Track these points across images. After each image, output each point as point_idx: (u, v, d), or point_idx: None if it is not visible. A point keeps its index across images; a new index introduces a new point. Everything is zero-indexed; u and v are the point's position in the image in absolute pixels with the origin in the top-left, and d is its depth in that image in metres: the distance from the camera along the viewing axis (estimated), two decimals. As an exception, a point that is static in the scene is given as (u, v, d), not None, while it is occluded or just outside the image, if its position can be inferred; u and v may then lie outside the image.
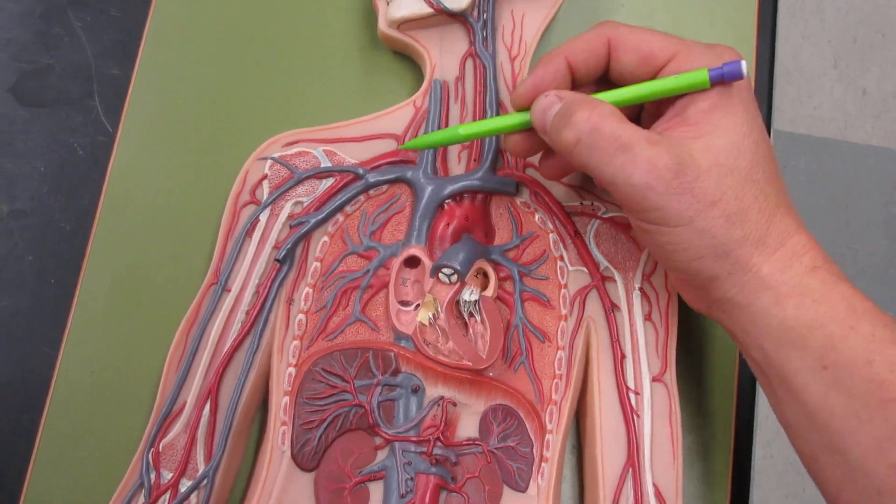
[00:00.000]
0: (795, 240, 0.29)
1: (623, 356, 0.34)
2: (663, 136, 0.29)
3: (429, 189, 0.35)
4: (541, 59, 0.31)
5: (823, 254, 0.29)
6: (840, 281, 0.28)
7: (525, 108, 0.31)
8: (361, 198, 0.36)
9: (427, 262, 0.35)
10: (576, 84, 0.31)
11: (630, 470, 0.33)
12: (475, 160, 0.36)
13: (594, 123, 0.28)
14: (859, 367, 0.27)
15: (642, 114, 0.33)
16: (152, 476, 0.32)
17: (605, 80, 0.32)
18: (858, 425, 0.26)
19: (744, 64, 0.28)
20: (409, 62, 0.39)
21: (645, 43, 0.30)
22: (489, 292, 0.35)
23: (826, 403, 0.27)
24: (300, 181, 0.35)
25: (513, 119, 0.32)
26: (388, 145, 0.36)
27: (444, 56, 0.37)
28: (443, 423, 0.33)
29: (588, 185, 0.36)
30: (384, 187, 0.36)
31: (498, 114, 0.37)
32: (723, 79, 0.29)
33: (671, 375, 0.34)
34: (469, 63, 0.37)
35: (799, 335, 0.28)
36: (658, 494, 0.33)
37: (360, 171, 0.35)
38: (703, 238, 0.28)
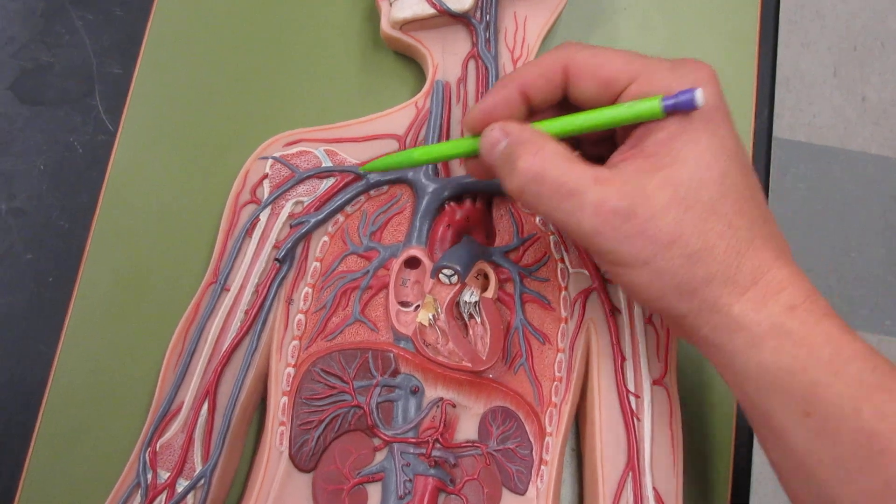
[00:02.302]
0: (771, 276, 0.26)
1: (623, 359, 0.34)
2: (616, 172, 0.27)
3: (429, 190, 0.35)
4: (495, 83, 0.30)
5: (806, 288, 0.26)
6: (823, 319, 0.26)
7: (476, 133, 0.30)
8: (362, 198, 0.36)
9: (427, 263, 0.34)
10: (532, 110, 0.30)
11: (630, 473, 0.33)
12: (476, 161, 0.36)
13: (537, 170, 0.27)
14: (846, 415, 0.25)
15: (617, 130, 0.31)
16: (149, 476, 0.32)
17: (567, 103, 0.30)
18: (847, 476, 0.25)
19: (699, 93, 0.26)
20: (411, 63, 0.39)
21: (603, 67, 0.28)
22: (489, 294, 0.34)
23: (812, 451, 0.25)
24: (301, 181, 0.35)
25: (465, 144, 0.30)
26: (390, 146, 0.36)
27: (446, 57, 0.37)
28: (442, 425, 0.33)
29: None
30: (385, 188, 0.36)
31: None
32: (676, 109, 0.26)
33: (672, 379, 0.34)
34: (471, 64, 0.37)
35: (778, 379, 0.26)
36: (658, 498, 0.33)
37: (361, 171, 0.35)
38: (663, 278, 0.26)
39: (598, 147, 0.31)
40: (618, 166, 0.27)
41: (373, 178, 0.35)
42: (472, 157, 0.30)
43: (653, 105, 0.26)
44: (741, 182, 0.27)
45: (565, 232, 0.28)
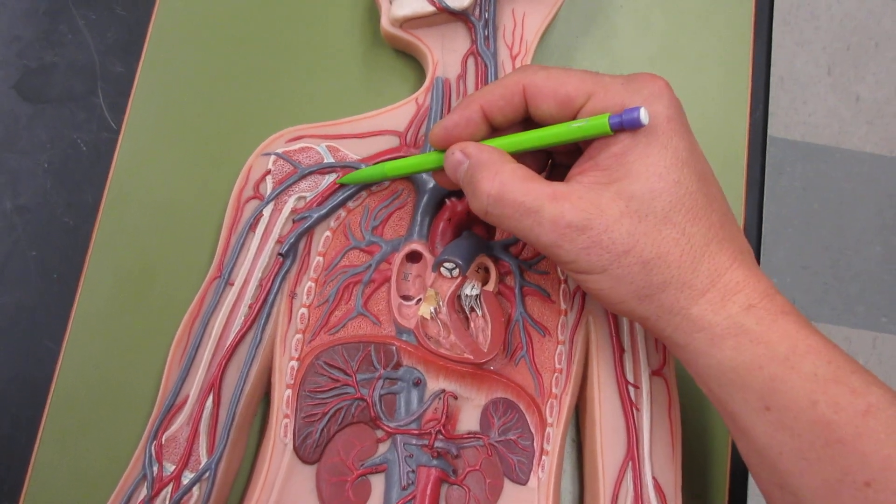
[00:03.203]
0: (728, 278, 0.28)
1: (622, 350, 0.34)
2: (572, 187, 0.28)
3: (430, 185, 0.35)
4: (458, 103, 0.31)
5: (763, 288, 0.28)
6: (780, 316, 0.27)
7: (440, 149, 0.32)
8: (364, 193, 0.36)
9: (429, 257, 0.35)
10: (495, 128, 0.31)
11: (630, 463, 0.33)
12: (476, 157, 0.36)
13: (497, 192, 0.28)
14: (803, 408, 0.26)
15: (580, 143, 0.32)
16: (155, 468, 0.32)
17: (530, 121, 0.31)
18: (807, 466, 0.26)
19: (643, 112, 0.27)
20: (411, 60, 0.40)
21: (561, 87, 0.29)
22: (490, 287, 0.35)
23: (773, 443, 0.27)
24: (303, 176, 0.35)
25: (433, 159, 0.32)
26: (390, 142, 0.36)
27: (445, 54, 0.37)
28: (444, 417, 0.33)
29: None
30: (386, 183, 0.36)
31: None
32: (623, 127, 0.28)
33: (670, 370, 0.34)
34: (470, 61, 0.37)
35: (738, 376, 0.27)
36: (657, 487, 0.33)
37: (363, 166, 0.36)
38: (621, 284, 0.28)
39: (568, 157, 0.32)
40: (574, 179, 0.29)
41: (374, 173, 0.36)
42: (440, 170, 0.32)
43: (601, 123, 0.28)
44: (696, 189, 0.28)
45: (527, 243, 0.30)
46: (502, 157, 0.30)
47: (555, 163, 0.34)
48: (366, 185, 0.36)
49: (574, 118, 0.29)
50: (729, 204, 0.30)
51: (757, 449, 0.27)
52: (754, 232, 0.40)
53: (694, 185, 0.28)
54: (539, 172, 0.34)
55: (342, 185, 0.35)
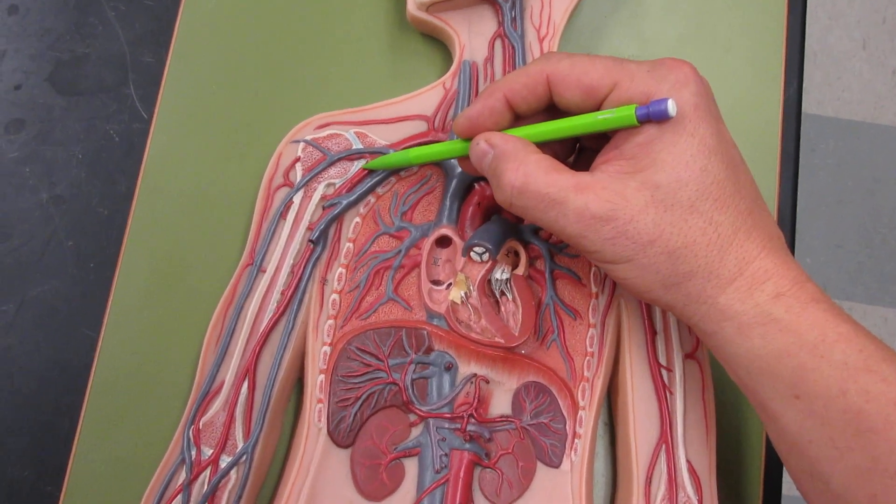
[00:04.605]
0: (756, 266, 0.27)
1: (654, 333, 0.34)
2: (597, 177, 0.28)
3: (459, 169, 0.35)
4: (482, 91, 0.31)
5: (793, 275, 0.27)
6: (810, 304, 0.27)
7: (465, 138, 0.32)
8: (392, 179, 0.36)
9: (458, 242, 0.35)
10: (519, 116, 0.31)
11: (663, 446, 0.33)
12: (505, 140, 0.36)
13: (521, 184, 0.28)
14: (833, 396, 0.26)
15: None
16: (193, 452, 0.33)
17: (554, 108, 0.31)
18: (837, 455, 0.26)
19: (671, 104, 0.27)
20: (438, 44, 0.39)
21: (585, 76, 0.29)
22: (520, 271, 0.35)
23: (803, 431, 0.26)
24: (332, 163, 0.36)
25: (458, 147, 0.32)
26: (419, 127, 0.36)
27: (472, 37, 0.37)
28: (476, 400, 0.33)
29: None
30: (415, 168, 0.36)
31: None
32: (649, 118, 0.27)
33: (703, 352, 0.34)
34: (498, 44, 0.37)
35: (767, 364, 0.27)
36: (692, 470, 0.33)
37: (391, 152, 0.36)
38: (647, 273, 0.28)
39: (596, 142, 0.32)
40: (599, 169, 0.29)
41: (403, 159, 0.36)
42: (465, 158, 0.32)
43: (628, 114, 0.28)
44: (724, 177, 0.28)
45: (553, 233, 0.30)
46: (527, 147, 0.29)
47: (583, 146, 0.34)
48: (394, 171, 0.36)
49: (599, 107, 0.29)
50: (759, 189, 0.29)
51: (787, 436, 0.27)
52: (788, 210, 0.40)
53: (722, 173, 0.28)
54: (567, 157, 0.33)
55: (371, 171, 0.35)
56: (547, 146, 0.31)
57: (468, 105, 0.36)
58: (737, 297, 0.27)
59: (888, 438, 0.25)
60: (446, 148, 0.33)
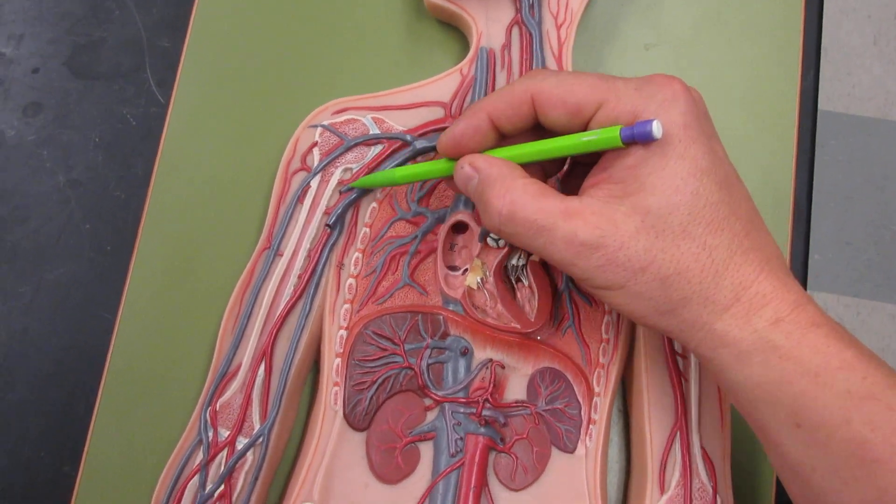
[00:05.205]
0: (753, 291, 0.26)
1: (670, 320, 0.34)
2: (585, 202, 0.27)
3: (476, 155, 0.35)
4: (466, 110, 0.30)
5: (794, 298, 0.26)
6: (811, 330, 0.26)
7: (450, 158, 0.31)
8: (409, 164, 0.36)
9: (474, 227, 0.35)
10: (504, 136, 0.30)
11: (678, 433, 0.33)
12: (522, 127, 0.36)
13: (508, 211, 0.27)
14: (836, 426, 0.25)
15: None
16: (210, 434, 0.33)
17: (541, 127, 0.30)
18: (842, 485, 0.25)
19: (656, 125, 0.26)
20: (455, 32, 0.39)
21: (570, 94, 0.28)
22: (536, 257, 0.35)
23: (806, 460, 0.25)
24: (349, 148, 0.36)
25: (443, 166, 0.31)
26: (435, 113, 0.36)
27: (490, 24, 0.37)
28: (491, 385, 0.34)
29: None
30: (432, 154, 0.36)
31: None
32: (634, 140, 0.26)
33: (719, 340, 0.34)
34: (515, 31, 0.37)
35: (767, 392, 0.26)
36: (706, 457, 0.33)
37: (409, 137, 0.36)
38: (640, 300, 0.27)
39: (588, 156, 0.30)
40: (588, 193, 0.28)
41: (420, 144, 0.36)
42: (451, 177, 0.31)
43: (613, 136, 0.27)
44: (717, 198, 0.26)
45: (543, 259, 0.28)
46: (513, 171, 0.28)
47: (575, 160, 0.33)
48: (412, 157, 0.36)
49: (585, 127, 0.28)
50: (756, 208, 0.28)
51: (789, 464, 0.26)
52: (804, 203, 0.40)
53: (715, 195, 0.26)
54: (557, 171, 0.33)
55: (389, 156, 0.36)
56: (535, 163, 0.30)
57: (480, 96, 0.36)
58: (734, 324, 0.26)
59: (894, 469, 0.24)
60: (432, 168, 0.32)
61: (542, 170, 0.31)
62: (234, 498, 0.32)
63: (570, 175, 0.33)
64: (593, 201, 0.27)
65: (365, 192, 0.35)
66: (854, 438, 0.24)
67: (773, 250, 0.28)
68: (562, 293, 0.35)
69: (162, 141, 0.38)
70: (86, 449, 0.35)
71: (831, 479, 0.25)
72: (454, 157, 0.30)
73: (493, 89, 0.37)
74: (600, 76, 0.28)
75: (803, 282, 0.39)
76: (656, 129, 0.26)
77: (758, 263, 0.27)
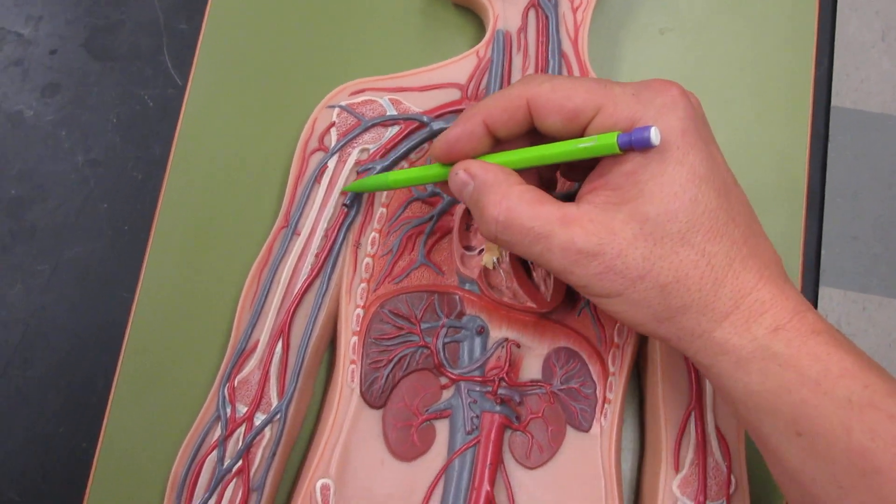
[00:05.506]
0: (753, 298, 0.26)
1: (685, 301, 0.34)
2: (583, 209, 0.27)
3: (493, 136, 0.35)
4: (460, 115, 0.30)
5: (793, 305, 0.26)
6: (811, 337, 0.25)
7: (444, 163, 0.30)
8: (426, 146, 0.36)
9: (491, 208, 0.35)
10: (499, 141, 0.30)
11: (693, 413, 0.33)
12: (538, 108, 0.36)
13: (504, 218, 0.27)
14: (837, 435, 0.24)
15: None
16: (228, 410, 0.33)
17: (536, 132, 0.29)
18: (842, 494, 0.25)
19: (654, 132, 0.25)
20: (471, 15, 0.40)
21: (567, 100, 0.27)
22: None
23: (806, 468, 0.25)
24: (367, 129, 0.36)
25: (437, 171, 0.31)
26: (452, 94, 0.37)
27: (506, 7, 0.37)
28: (507, 364, 0.34)
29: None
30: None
31: (559, 65, 0.37)
32: (632, 146, 0.26)
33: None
34: (531, 14, 0.37)
35: (766, 401, 0.26)
36: (721, 437, 0.33)
37: (425, 118, 0.36)
38: (638, 307, 0.27)
39: (584, 161, 0.30)
40: (585, 199, 0.27)
41: (436, 125, 0.36)
42: (445, 183, 0.30)
43: (610, 142, 0.26)
44: (716, 205, 0.26)
45: (540, 266, 0.28)
46: (508, 178, 0.28)
47: (572, 165, 0.32)
48: (428, 138, 0.36)
49: (582, 132, 0.28)
50: (755, 213, 0.28)
51: (788, 472, 0.26)
52: (817, 197, 0.40)
53: (714, 202, 0.26)
54: (553, 176, 0.33)
55: (406, 136, 0.36)
56: (531, 168, 0.30)
57: (496, 79, 0.36)
58: (733, 332, 0.26)
59: (895, 478, 0.24)
60: (426, 173, 0.31)
61: (538, 174, 0.31)
62: (251, 473, 0.33)
63: (569, 174, 0.33)
64: (591, 208, 0.27)
65: (382, 171, 0.36)
66: (854, 448, 0.24)
67: (771, 257, 0.28)
68: (577, 273, 0.35)
69: (179, 122, 0.38)
70: (104, 425, 0.35)
71: (831, 488, 0.25)
72: (448, 163, 0.30)
73: (510, 72, 0.37)
74: (597, 81, 0.28)
75: (815, 276, 0.39)
76: (654, 136, 0.26)
77: (757, 270, 0.27)
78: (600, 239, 0.26)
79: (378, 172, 0.36)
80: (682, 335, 0.27)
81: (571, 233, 0.26)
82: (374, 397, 0.34)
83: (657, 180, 0.26)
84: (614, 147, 0.26)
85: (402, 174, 0.32)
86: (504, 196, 0.27)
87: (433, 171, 0.31)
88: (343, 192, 0.35)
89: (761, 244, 0.27)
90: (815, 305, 0.38)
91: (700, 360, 0.27)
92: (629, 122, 0.27)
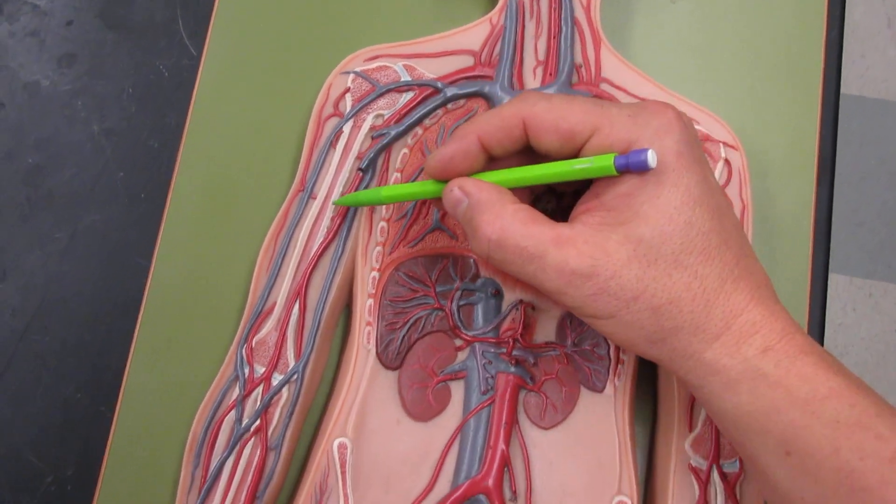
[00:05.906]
0: (743, 319, 0.26)
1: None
2: (577, 229, 0.27)
3: (505, 101, 0.36)
4: (455, 132, 0.30)
5: (782, 326, 0.26)
6: (799, 358, 0.26)
7: (438, 180, 0.30)
8: (440, 112, 0.37)
9: (505, 173, 0.35)
10: (493, 159, 0.30)
11: (705, 374, 0.34)
12: (551, 74, 0.37)
13: (497, 237, 0.27)
14: (825, 455, 0.25)
15: None
16: (246, 370, 0.33)
17: (531, 150, 0.30)
18: None
19: (651, 154, 0.26)
20: (483, -16, 0.40)
21: (563, 120, 0.28)
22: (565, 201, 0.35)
23: (794, 488, 0.26)
24: (381, 94, 0.36)
25: (431, 188, 0.31)
26: (465, 61, 0.37)
27: (519, -25, 0.38)
28: (521, 326, 0.34)
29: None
30: (462, 101, 0.37)
31: (571, 32, 0.37)
32: (629, 169, 0.26)
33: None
34: (544, -19, 0.38)
35: (756, 421, 0.26)
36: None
37: (439, 85, 0.36)
38: (631, 329, 0.27)
39: (577, 181, 0.30)
40: (579, 220, 0.28)
41: (450, 91, 0.36)
42: (439, 199, 0.31)
43: (607, 164, 0.26)
44: (709, 227, 0.27)
45: (533, 286, 0.28)
46: (502, 197, 0.28)
47: (567, 183, 0.32)
48: (442, 104, 0.36)
49: (578, 153, 0.28)
50: (746, 236, 0.28)
51: (779, 493, 0.26)
52: (827, 184, 0.40)
53: (707, 224, 0.27)
54: (548, 186, 0.33)
55: (420, 103, 0.36)
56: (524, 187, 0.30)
57: (509, 45, 0.36)
58: (724, 352, 0.26)
59: (883, 498, 0.24)
60: (419, 189, 0.31)
61: (531, 192, 0.31)
62: (269, 432, 0.33)
63: (565, 188, 0.33)
64: (585, 229, 0.27)
65: (397, 137, 0.36)
66: (843, 467, 0.24)
67: (761, 278, 0.28)
68: (591, 237, 0.35)
69: (195, 92, 0.39)
70: (122, 389, 0.35)
71: None
72: (443, 180, 0.30)
73: (522, 38, 0.37)
74: (593, 101, 0.28)
75: (824, 264, 0.39)
76: (651, 158, 0.26)
77: (748, 291, 0.27)
78: (595, 260, 0.26)
79: (392, 138, 0.36)
80: (674, 356, 0.27)
81: (565, 253, 0.27)
82: (390, 358, 0.34)
83: (653, 202, 0.26)
84: (611, 169, 0.26)
85: (396, 189, 0.33)
86: (498, 215, 0.28)
87: (427, 187, 0.31)
88: (358, 157, 0.36)
89: (752, 266, 0.28)
90: (826, 293, 0.38)
91: (690, 381, 0.27)
92: (625, 144, 0.27)
